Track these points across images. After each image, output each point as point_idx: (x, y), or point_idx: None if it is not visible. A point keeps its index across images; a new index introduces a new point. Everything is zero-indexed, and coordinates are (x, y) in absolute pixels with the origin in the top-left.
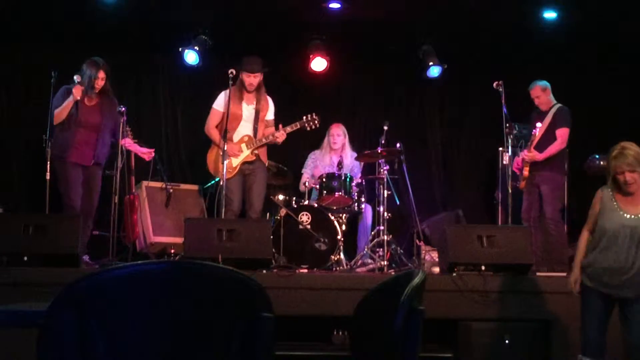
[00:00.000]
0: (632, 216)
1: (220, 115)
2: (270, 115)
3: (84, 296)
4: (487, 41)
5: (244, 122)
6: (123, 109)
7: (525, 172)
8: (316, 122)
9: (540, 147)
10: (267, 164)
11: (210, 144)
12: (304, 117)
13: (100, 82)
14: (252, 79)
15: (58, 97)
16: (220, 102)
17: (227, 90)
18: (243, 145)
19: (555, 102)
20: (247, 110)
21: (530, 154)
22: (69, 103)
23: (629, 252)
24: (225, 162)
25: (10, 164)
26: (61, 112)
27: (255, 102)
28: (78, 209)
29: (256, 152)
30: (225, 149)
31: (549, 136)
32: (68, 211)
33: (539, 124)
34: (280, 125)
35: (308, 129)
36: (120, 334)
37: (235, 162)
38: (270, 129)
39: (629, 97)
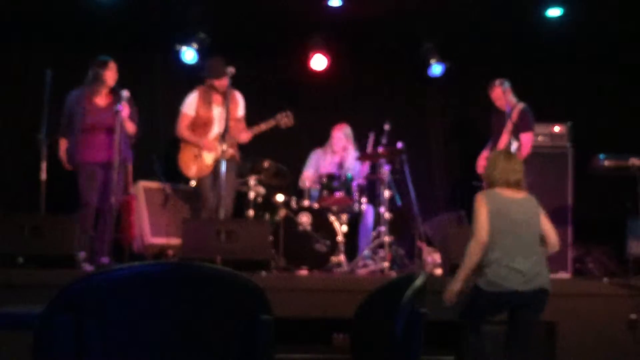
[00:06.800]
0: None
1: (190, 119)
2: (240, 111)
3: (80, 298)
4: (489, 39)
5: (216, 123)
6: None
7: None
8: (290, 118)
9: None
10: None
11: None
12: (278, 115)
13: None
14: (224, 81)
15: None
16: (189, 106)
17: (195, 93)
18: (217, 143)
19: (517, 101)
20: (217, 110)
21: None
22: None
23: None
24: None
25: (6, 164)
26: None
27: (223, 101)
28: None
29: (231, 149)
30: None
31: (513, 136)
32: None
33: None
34: (259, 125)
35: (283, 126)
36: (117, 336)
37: (209, 158)
38: (241, 125)
39: (634, 96)
